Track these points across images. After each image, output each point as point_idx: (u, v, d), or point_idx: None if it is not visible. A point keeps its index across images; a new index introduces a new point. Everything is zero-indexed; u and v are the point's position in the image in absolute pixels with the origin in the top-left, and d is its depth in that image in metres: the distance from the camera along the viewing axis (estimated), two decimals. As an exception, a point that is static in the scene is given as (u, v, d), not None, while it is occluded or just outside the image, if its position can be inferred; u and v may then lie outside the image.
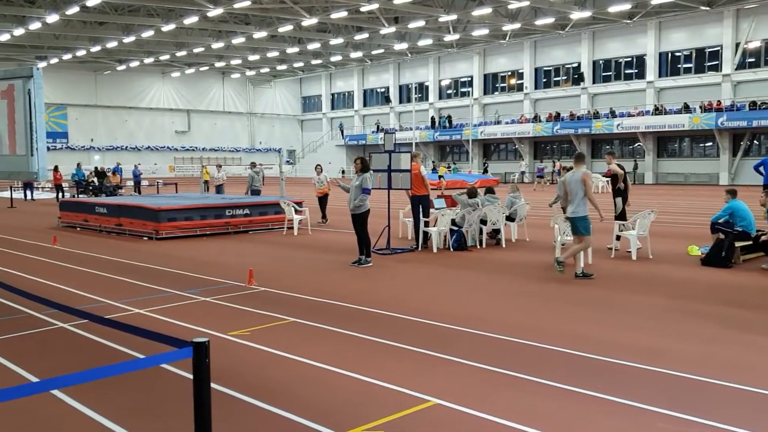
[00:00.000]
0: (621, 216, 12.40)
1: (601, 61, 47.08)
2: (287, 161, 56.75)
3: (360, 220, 11.23)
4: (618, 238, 12.15)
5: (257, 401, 4.96)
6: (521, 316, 7.63)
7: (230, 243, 14.59)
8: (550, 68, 50.04)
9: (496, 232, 13.66)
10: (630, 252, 11.67)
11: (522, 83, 51.27)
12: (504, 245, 13.31)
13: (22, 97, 2.68)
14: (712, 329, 6.95)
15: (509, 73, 52.63)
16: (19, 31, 38.03)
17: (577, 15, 38.87)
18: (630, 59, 45.71)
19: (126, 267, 11.28)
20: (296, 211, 16.30)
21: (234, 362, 5.88)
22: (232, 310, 8.01)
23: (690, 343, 6.44)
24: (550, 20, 40.70)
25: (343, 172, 59.17)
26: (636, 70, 45.54)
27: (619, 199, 12.57)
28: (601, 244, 12.29)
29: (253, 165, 22.87)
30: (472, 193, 13.55)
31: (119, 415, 4.71)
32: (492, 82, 54.09)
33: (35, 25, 36.72)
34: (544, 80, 50.60)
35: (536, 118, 48.88)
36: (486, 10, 37.00)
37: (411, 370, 5.69)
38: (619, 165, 12.69)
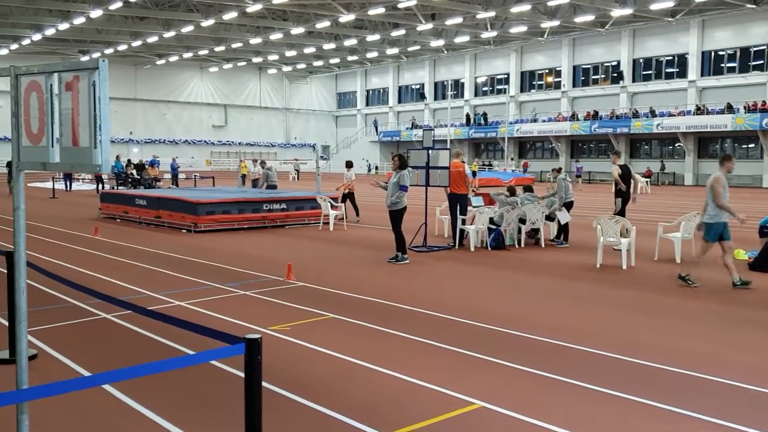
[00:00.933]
0: (619, 215, 12.58)
1: (641, 60, 46.24)
2: (321, 157, 56.99)
3: (396, 216, 11.18)
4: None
5: (299, 397, 4.95)
6: (562, 318, 7.50)
7: (267, 237, 14.68)
8: (589, 66, 49.32)
9: (536, 231, 13.49)
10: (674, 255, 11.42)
11: (560, 81, 50.65)
12: (543, 245, 13.13)
13: (86, 89, 2.68)
14: (763, 338, 6.74)
15: (547, 71, 52.04)
16: (63, 26, 38.81)
17: (617, 12, 38.22)
18: (671, 58, 44.80)
19: (166, 259, 11.41)
20: (332, 207, 16.33)
21: (275, 358, 5.88)
22: (271, 304, 8.04)
23: (742, 351, 6.25)
24: (589, 18, 40.10)
25: (376, 168, 59.18)
26: (677, 69, 44.61)
27: (619, 200, 13.00)
28: (642, 247, 12.04)
29: (263, 163, 25.05)
30: (511, 192, 13.41)
31: (164, 409, 4.73)
32: (529, 80, 53.54)
33: (79, 20, 37.43)
34: (582, 78, 49.91)
35: (574, 117, 48.25)
36: (525, 7, 36.60)
37: (453, 370, 5.62)
38: (624, 166, 13.21)
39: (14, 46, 46.06)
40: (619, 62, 46.88)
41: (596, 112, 46.97)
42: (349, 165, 18.60)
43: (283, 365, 5.68)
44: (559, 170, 14.40)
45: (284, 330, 6.78)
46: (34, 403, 4.39)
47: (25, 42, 44.29)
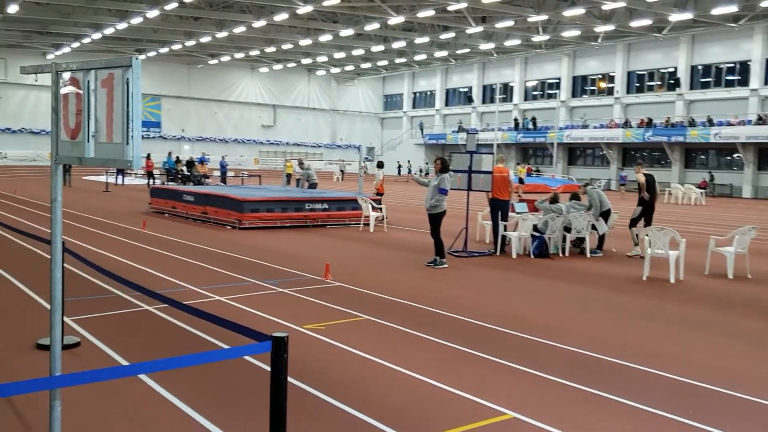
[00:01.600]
0: (633, 223, 13.28)
1: (699, 66, 44.90)
2: (366, 158, 57.16)
3: (434, 220, 11.10)
4: (636, 244, 12.78)
5: (329, 397, 4.95)
6: (605, 331, 7.32)
7: (308, 236, 14.78)
8: (644, 72, 48.18)
9: (581, 240, 13.23)
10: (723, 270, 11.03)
11: (613, 87, 49.62)
12: (588, 254, 12.87)
13: (120, 86, 2.72)
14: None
15: (599, 76, 51.05)
16: (122, 25, 39.92)
17: (676, 17, 37.20)
18: (732, 65, 43.38)
19: (209, 254, 11.60)
20: (373, 208, 16.35)
21: (308, 356, 5.90)
22: (307, 303, 8.08)
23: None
24: (646, 22, 39.13)
25: (408, 170, 58.96)
26: (738, 77, 43.14)
27: (639, 208, 13.31)
28: (693, 260, 11.68)
29: (301, 164, 26.01)
30: (554, 199, 13.19)
31: (197, 401, 4.80)
32: (581, 85, 52.63)
33: (136, 20, 38.43)
34: (637, 84, 48.78)
35: (627, 124, 47.21)
36: (578, 11, 35.97)
37: (487, 379, 5.54)
38: (649, 176, 13.43)
39: (75, 45, 47.58)
40: (676, 69, 45.63)
41: (650, 120, 45.83)
42: (380, 165, 19.20)
43: (315, 364, 5.69)
44: (587, 183, 14.21)
45: (319, 329, 6.80)
46: (73, 389, 4.52)
47: (86, 40, 45.70)
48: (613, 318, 7.95)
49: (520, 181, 36.67)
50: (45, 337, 5.79)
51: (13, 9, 34.34)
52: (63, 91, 3.10)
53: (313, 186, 22.36)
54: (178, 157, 35.24)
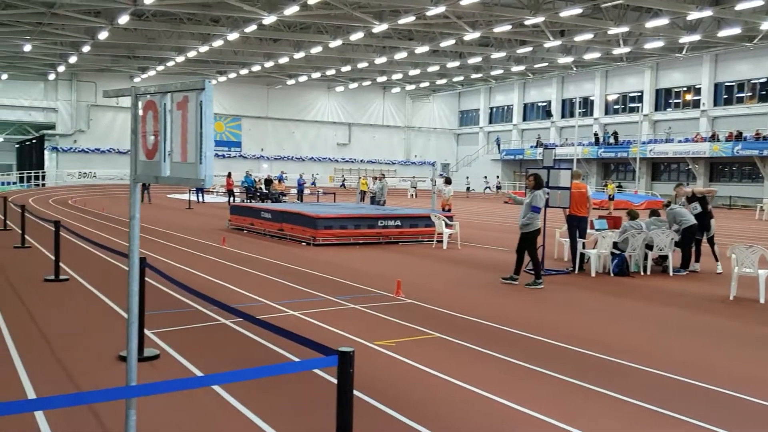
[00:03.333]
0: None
1: (793, 76, 42.57)
2: (441, 174, 57.13)
3: (528, 239, 10.89)
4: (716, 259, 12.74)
5: (398, 414, 4.93)
6: (687, 353, 6.98)
7: (380, 253, 14.86)
8: (733, 83, 46.07)
9: (663, 258, 12.72)
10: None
11: (699, 99, 47.68)
12: (671, 273, 12.35)
13: (194, 108, 2.84)
14: None
15: (684, 89, 49.18)
16: (204, 48, 41.68)
17: None
18: (830, 74, 40.90)
19: (285, 270, 11.84)
20: (446, 225, 16.27)
21: (378, 372, 5.91)
22: (379, 319, 8.10)
23: None
24: (735, 31, 37.46)
25: (487, 187, 58.34)
26: (838, 86, 40.62)
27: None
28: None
29: (376, 178, 26.54)
30: (632, 215, 12.75)
31: (266, 412, 4.88)
32: (664, 98, 50.85)
33: (218, 43, 40.01)
34: (725, 96, 46.67)
35: (714, 137, 45.20)
36: (661, 22, 34.84)
37: (562, 400, 5.38)
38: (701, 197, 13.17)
39: (160, 68, 49.99)
40: None
41: (740, 133, 43.69)
42: (448, 182, 19.23)
43: (385, 380, 5.69)
44: (669, 203, 13.68)
45: (389, 346, 6.80)
46: (151, 400, 4.69)
47: (170, 63, 47.95)
48: (699, 340, 7.58)
49: (610, 197, 35.77)
50: (126, 349, 6.05)
51: (103, 35, 36.46)
52: (141, 113, 3.26)
53: (375, 202, 22.52)
54: (248, 172, 36.30)
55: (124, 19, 33.13)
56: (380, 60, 45.69)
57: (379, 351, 6.63)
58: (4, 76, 50.43)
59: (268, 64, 47.66)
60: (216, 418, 4.84)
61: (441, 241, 16.04)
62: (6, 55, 44.63)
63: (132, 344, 3.52)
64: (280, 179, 35.48)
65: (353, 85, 60.55)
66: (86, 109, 54.05)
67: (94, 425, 4.60)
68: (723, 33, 37.72)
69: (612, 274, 12.07)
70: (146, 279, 6.24)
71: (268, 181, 34.57)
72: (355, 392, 3.18)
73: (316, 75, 54.02)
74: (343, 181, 59.17)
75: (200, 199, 34.80)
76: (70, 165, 52.58)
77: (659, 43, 40.90)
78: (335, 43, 39.93)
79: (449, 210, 18.97)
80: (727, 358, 6.81)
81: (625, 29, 36.58)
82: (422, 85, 61.91)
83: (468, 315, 8.40)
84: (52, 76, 51.66)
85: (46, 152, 52.22)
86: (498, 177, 59.75)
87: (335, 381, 5.42)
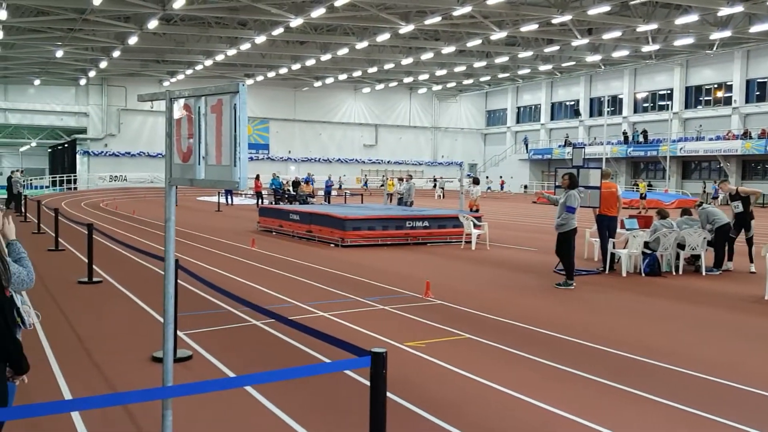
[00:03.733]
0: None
1: (829, 71, 41.54)
2: (468, 175, 56.83)
3: (563, 239, 10.80)
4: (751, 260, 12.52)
5: (429, 414, 4.92)
6: (722, 353, 6.85)
7: (409, 254, 14.84)
8: (765, 80, 45.13)
9: (696, 258, 12.50)
10: None
11: (730, 96, 46.81)
12: (704, 273, 12.13)
13: (228, 111, 2.87)
14: None
15: (715, 86, 48.33)
16: (231, 52, 42.07)
17: (800, 20, 34.67)
18: None
19: (314, 271, 11.89)
20: (475, 226, 16.19)
21: (408, 373, 5.90)
22: (408, 320, 8.09)
23: None
24: (767, 27, 36.72)
25: (524, 187, 58.00)
26: None
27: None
28: None
29: (402, 179, 26.01)
30: (662, 215, 12.56)
31: (298, 413, 4.90)
32: (695, 95, 50.02)
33: (245, 46, 40.37)
34: (758, 93, 45.74)
35: (746, 135, 44.32)
36: (691, 18, 34.28)
37: (594, 402, 5.31)
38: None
39: (189, 71, 50.57)
40: (801, 74, 42.50)
41: (773, 130, 42.82)
42: (476, 182, 19.26)
43: (416, 382, 5.68)
44: (701, 203, 13.44)
45: (419, 347, 6.79)
46: (185, 400, 4.75)
47: (198, 67, 48.49)
48: (733, 340, 7.43)
49: (642, 196, 35.31)
50: (159, 350, 6.12)
51: (132, 40, 37.04)
52: (176, 116, 3.30)
53: (407, 205, 22.54)
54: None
55: (153, 24, 33.60)
56: (407, 61, 45.67)
57: (409, 352, 6.62)
58: (37, 82, 51.48)
59: (295, 67, 47.95)
60: (249, 418, 4.88)
61: (469, 242, 15.97)
62: (39, 61, 45.57)
63: (168, 345, 3.56)
64: (308, 181, 35.66)
65: (380, 86, 60.60)
66: (116, 113, 54.94)
67: (129, 426, 4.67)
68: (755, 29, 36.96)
69: (643, 274, 11.91)
70: (178, 281, 6.32)
71: (296, 183, 34.77)
72: (387, 393, 3.18)
73: (342, 77, 54.19)
74: (365, 181, 59.23)
75: (229, 201, 35.11)
76: (101, 168, 53.48)
77: (689, 40, 40.23)
78: (362, 45, 40.02)
79: (477, 210, 18.86)
80: (762, 358, 6.67)
81: (654, 26, 36.06)
82: (449, 85, 61.74)
83: (498, 316, 8.35)
84: (83, 81, 52.61)
85: (77, 156, 53.20)
86: (512, 178, 59.24)
87: (366, 382, 5.44)
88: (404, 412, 4.98)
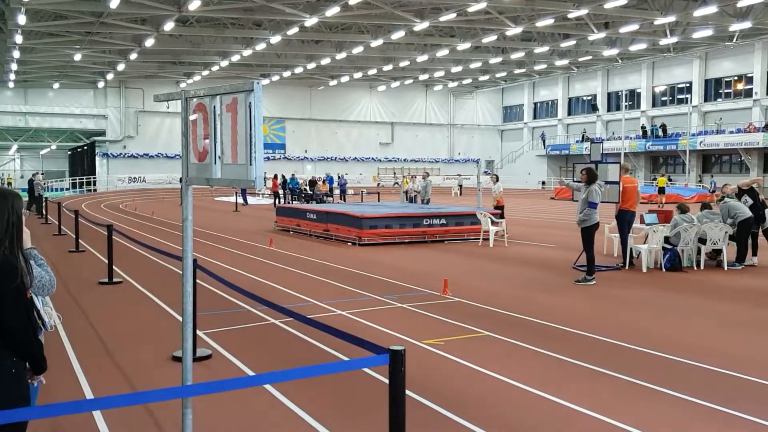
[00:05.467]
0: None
1: None
2: (485, 171, 56.54)
3: (585, 234, 10.72)
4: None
5: (448, 412, 4.90)
6: (746, 348, 6.75)
7: (426, 252, 14.80)
8: (787, 71, 44.46)
9: (717, 252, 12.35)
10: None
11: (751, 88, 46.15)
12: (725, 267, 11.97)
13: (243, 110, 2.87)
14: None
15: (735, 78, 47.67)
16: (247, 52, 42.25)
17: (822, 9, 34.10)
18: None
19: (331, 270, 11.91)
20: (492, 223, 16.12)
21: (427, 371, 5.88)
22: (426, 318, 8.07)
23: None
24: (787, 17, 36.15)
25: (542, 183, 57.67)
26: None
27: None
28: None
29: (415, 177, 26.10)
30: (682, 209, 12.42)
31: (317, 411, 4.90)
32: (714, 88, 49.38)
33: (260, 46, 40.51)
34: (779, 84, 45.07)
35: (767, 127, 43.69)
36: (710, 9, 33.82)
37: (614, 398, 5.26)
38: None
39: (205, 72, 50.87)
40: (824, 65, 41.78)
41: (795, 121, 42.17)
42: (496, 179, 19.55)
43: (435, 379, 5.66)
44: (721, 198, 13.25)
45: (438, 344, 6.77)
46: (205, 398, 4.77)
47: (215, 68, 48.76)
48: (758, 335, 7.32)
49: (661, 191, 34.99)
50: (179, 349, 6.16)
51: (149, 42, 37.33)
52: (192, 116, 3.31)
53: (425, 202, 22.58)
54: (284, 176, 36.57)
55: (169, 26, 33.84)
56: (422, 58, 45.57)
57: (427, 350, 6.60)
58: (56, 85, 52.09)
59: (311, 66, 48.04)
60: (268, 416, 4.89)
61: (487, 239, 15.90)
62: (58, 65, 46.10)
63: (187, 344, 3.57)
64: (326, 180, 35.74)
65: (395, 84, 60.53)
66: (134, 115, 55.44)
67: (150, 424, 4.70)
68: (776, 19, 36.38)
69: (664, 269, 11.78)
70: (197, 280, 6.35)
71: (313, 183, 34.85)
72: (406, 391, 3.17)
73: (357, 75, 54.21)
74: (378, 181, 59.25)
75: (244, 201, 35.22)
76: (120, 170, 54.00)
77: (708, 32, 39.72)
78: (376, 43, 39.99)
79: (502, 208, 18.61)
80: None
81: (672, 19, 35.66)
82: (465, 81, 61.50)
83: (518, 313, 8.30)
84: (101, 84, 53.13)
85: (96, 158, 53.77)
86: (529, 174, 58.85)
87: (385, 379, 5.43)
88: (423, 410, 4.97)
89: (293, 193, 34.61)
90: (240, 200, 33.94)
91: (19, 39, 34.63)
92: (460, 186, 52.11)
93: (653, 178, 46.66)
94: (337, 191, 37.83)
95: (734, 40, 42.96)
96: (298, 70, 50.12)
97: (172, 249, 12.54)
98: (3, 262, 2.77)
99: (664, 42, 42.45)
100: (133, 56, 42.20)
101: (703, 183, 46.00)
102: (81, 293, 9.69)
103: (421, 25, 35.15)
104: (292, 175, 37.26)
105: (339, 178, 41.72)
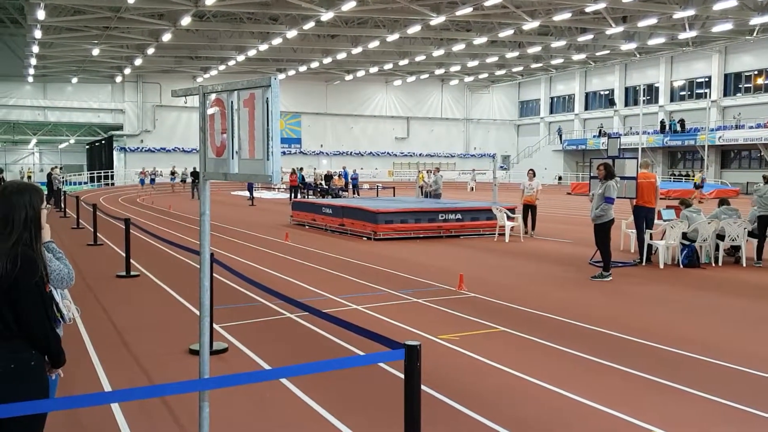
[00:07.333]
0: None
1: None
2: (501, 167, 56.31)
3: (600, 230, 10.67)
4: None
5: (463, 407, 4.90)
6: (764, 346, 6.68)
7: (442, 247, 14.78)
8: (809, 65, 43.78)
9: (736, 249, 12.21)
10: None
11: (771, 83, 45.53)
12: (744, 264, 11.85)
13: (261, 105, 2.87)
14: None
15: (755, 72, 47.02)
16: (263, 47, 42.35)
17: None
18: None
19: (347, 265, 11.93)
20: (508, 218, 16.05)
21: (442, 366, 5.88)
22: (442, 313, 8.06)
23: None
24: (810, 10, 35.59)
25: (559, 178, 57.35)
26: None
27: None
28: None
29: (430, 171, 26.44)
30: (685, 204, 12.31)
31: (333, 404, 4.92)
32: (734, 83, 48.75)
33: (277, 41, 40.60)
34: (800, 79, 44.40)
35: (788, 122, 43.07)
36: (730, 3, 33.37)
37: (629, 394, 5.23)
38: None
39: (222, 67, 51.09)
40: None
41: (816, 117, 41.52)
42: (531, 175, 18.46)
43: (450, 375, 5.66)
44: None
45: (453, 340, 6.76)
46: (222, 392, 4.81)
47: (231, 63, 48.94)
48: (777, 335, 7.24)
49: (697, 186, 34.78)
50: (196, 342, 6.20)
51: (166, 37, 37.54)
52: (209, 111, 3.32)
53: (436, 197, 22.48)
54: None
55: (186, 21, 33.99)
56: (438, 52, 45.41)
57: (443, 345, 6.60)
58: (75, 80, 52.54)
59: (326, 60, 48.05)
60: (284, 410, 4.92)
61: (503, 234, 15.84)
62: (76, 60, 46.49)
63: (204, 338, 3.60)
64: (341, 175, 35.78)
65: (411, 79, 60.38)
66: (152, 109, 55.81)
67: (167, 417, 4.74)
68: (798, 12, 35.84)
69: (681, 266, 11.68)
70: (214, 274, 6.39)
71: (328, 177, 34.89)
72: (421, 386, 3.17)
73: (373, 69, 54.14)
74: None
75: (250, 196, 35.17)
76: (138, 164, 54.38)
77: (728, 26, 39.21)
78: (392, 37, 39.91)
79: (533, 207, 17.35)
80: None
81: (691, 12, 35.24)
82: (481, 76, 61.22)
83: (533, 308, 8.27)
84: (118, 79, 53.53)
85: (114, 152, 54.22)
86: (545, 169, 58.46)
87: (400, 374, 5.44)
88: (439, 405, 4.97)
89: (308, 187, 34.67)
90: (258, 195, 33.99)
91: (38, 34, 34.97)
92: (474, 181, 51.90)
93: (671, 174, 46.22)
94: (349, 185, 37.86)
95: (754, 34, 42.37)
96: (314, 64, 50.16)
97: (188, 243, 12.63)
98: (23, 257, 2.80)
99: (683, 36, 41.97)
100: (151, 51, 42.45)
101: (723, 179, 45.46)
102: (99, 286, 9.79)
103: (437, 20, 35.03)
104: (300, 169, 37.31)
105: (351, 171, 41.73)
